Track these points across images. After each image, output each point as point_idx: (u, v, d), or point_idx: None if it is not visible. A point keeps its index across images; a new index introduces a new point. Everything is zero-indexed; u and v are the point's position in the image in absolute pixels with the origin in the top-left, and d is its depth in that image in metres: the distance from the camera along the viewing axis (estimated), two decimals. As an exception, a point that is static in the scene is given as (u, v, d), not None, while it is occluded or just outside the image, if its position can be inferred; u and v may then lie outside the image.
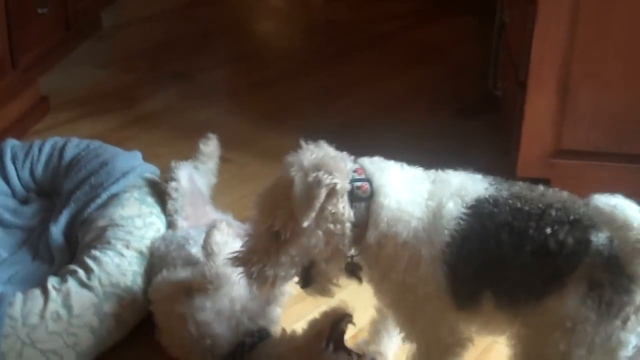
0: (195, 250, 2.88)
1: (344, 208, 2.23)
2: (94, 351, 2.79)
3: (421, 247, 2.22)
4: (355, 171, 2.27)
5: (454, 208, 2.21)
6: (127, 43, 5.93)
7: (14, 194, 3.54)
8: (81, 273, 2.84)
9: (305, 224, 2.19)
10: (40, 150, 3.58)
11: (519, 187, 2.28)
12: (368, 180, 2.27)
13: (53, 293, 2.75)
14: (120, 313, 2.85)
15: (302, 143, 2.32)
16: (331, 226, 2.24)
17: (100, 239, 3.00)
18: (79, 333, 2.74)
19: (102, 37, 5.91)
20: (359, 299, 2.60)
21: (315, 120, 4.62)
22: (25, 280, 3.05)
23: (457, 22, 6.15)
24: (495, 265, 2.18)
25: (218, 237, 2.71)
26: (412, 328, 2.36)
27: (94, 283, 2.81)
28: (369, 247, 2.28)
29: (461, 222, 2.19)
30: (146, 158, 3.50)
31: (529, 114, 3.52)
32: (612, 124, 3.47)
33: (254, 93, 5.12)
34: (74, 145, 3.56)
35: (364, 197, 2.25)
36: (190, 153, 3.43)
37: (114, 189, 3.26)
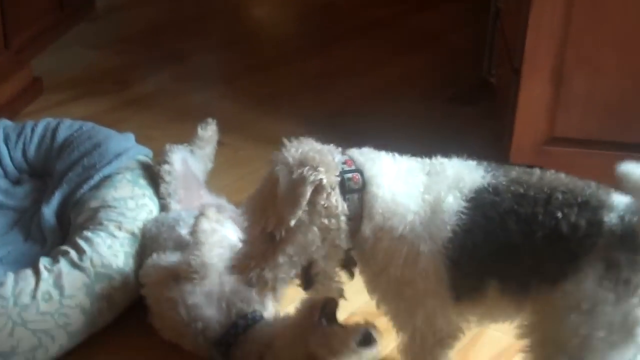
0: (186, 232, 2.88)
1: (336, 201, 2.21)
2: (85, 332, 2.79)
3: (420, 242, 2.19)
4: (344, 163, 2.25)
5: (453, 202, 2.18)
6: (121, 25, 5.92)
7: (6, 174, 3.53)
8: (73, 254, 2.83)
9: (292, 222, 2.17)
10: (32, 131, 3.57)
11: (516, 172, 2.25)
12: (359, 171, 2.24)
13: (45, 273, 2.75)
14: (112, 294, 2.84)
15: (286, 140, 2.28)
16: (325, 221, 2.21)
17: (93, 220, 3.00)
18: (71, 313, 2.74)
19: (96, 18, 5.89)
20: (352, 283, 2.61)
21: (309, 105, 4.61)
22: (17, 260, 3.05)
23: (452, 9, 6.14)
24: (502, 254, 2.16)
25: (205, 224, 2.70)
26: (409, 322, 2.34)
27: (86, 264, 2.80)
28: (365, 241, 2.25)
29: (463, 216, 2.16)
30: (139, 140, 3.49)
31: (522, 101, 3.53)
32: (606, 112, 3.48)
33: (249, 77, 5.11)
34: (67, 127, 3.55)
35: (356, 188, 2.22)
36: (183, 136, 3.42)
37: (106, 170, 3.25)
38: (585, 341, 2.14)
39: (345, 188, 2.22)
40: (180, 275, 2.68)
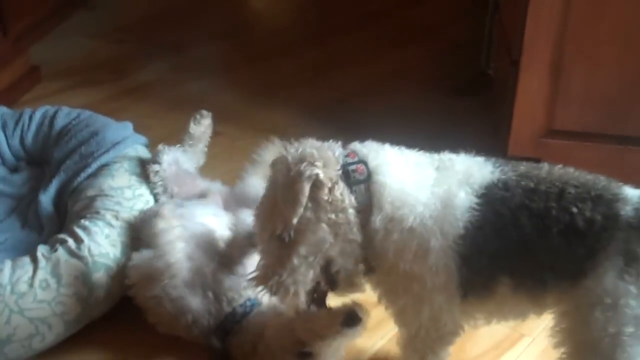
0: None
1: (342, 195, 2.20)
2: (82, 320, 2.79)
3: (430, 237, 2.18)
4: (347, 155, 2.24)
5: (465, 198, 2.16)
6: (119, 14, 5.89)
7: (3, 162, 3.52)
8: (71, 242, 2.83)
9: (295, 220, 2.17)
10: (30, 118, 3.56)
11: (525, 167, 2.24)
12: (362, 162, 2.23)
13: (42, 261, 2.75)
14: (109, 283, 2.84)
15: (287, 143, 2.29)
16: (333, 216, 2.20)
17: (89, 209, 3.00)
18: (68, 302, 2.74)
19: (94, 7, 5.87)
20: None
21: (306, 96, 4.60)
22: (14, 248, 3.05)
23: (450, 1, 6.12)
24: (514, 250, 2.15)
25: (161, 224, 2.71)
26: (415, 318, 2.33)
27: (84, 253, 2.80)
28: (376, 233, 2.23)
29: (474, 212, 2.16)
30: (137, 129, 3.48)
31: (521, 93, 3.52)
32: (604, 105, 3.47)
33: (246, 67, 5.10)
34: (65, 115, 3.54)
35: (361, 179, 2.21)
36: (180, 125, 3.41)
37: (104, 159, 3.24)
38: (615, 339, 2.13)
39: (350, 180, 2.21)
40: (153, 277, 2.71)
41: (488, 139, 3.63)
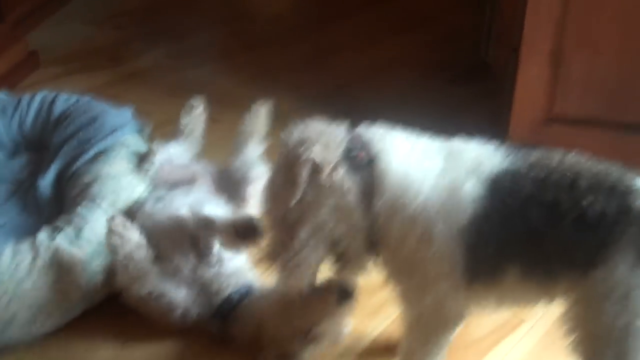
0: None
1: (342, 178, 2.19)
2: (80, 308, 2.80)
3: (433, 226, 2.16)
4: (351, 139, 2.23)
5: (472, 189, 2.14)
6: (117, 0, 5.88)
7: (2, 147, 3.51)
8: (69, 230, 2.83)
9: (292, 202, 2.18)
10: (29, 104, 3.55)
11: (536, 156, 2.20)
12: (365, 147, 2.22)
13: (42, 248, 2.75)
14: (107, 271, 2.83)
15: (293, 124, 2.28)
16: (333, 199, 2.21)
17: (86, 195, 2.99)
18: (67, 289, 2.74)
19: (92, -7, 5.86)
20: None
21: (305, 82, 4.59)
22: (13, 231, 3.05)
23: (450, -12, 6.11)
24: (521, 240, 2.13)
25: (113, 239, 2.70)
26: (418, 302, 2.33)
27: (82, 240, 2.80)
28: (379, 217, 2.22)
29: (481, 202, 2.13)
30: (136, 115, 3.48)
31: (521, 81, 3.51)
32: (605, 92, 3.46)
33: (245, 53, 5.08)
34: (64, 100, 3.54)
35: (363, 164, 2.20)
36: (179, 111, 3.41)
37: (102, 145, 3.23)
38: (627, 331, 2.12)
39: (351, 165, 2.20)
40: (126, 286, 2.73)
41: (488, 126, 3.60)
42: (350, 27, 5.48)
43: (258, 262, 2.32)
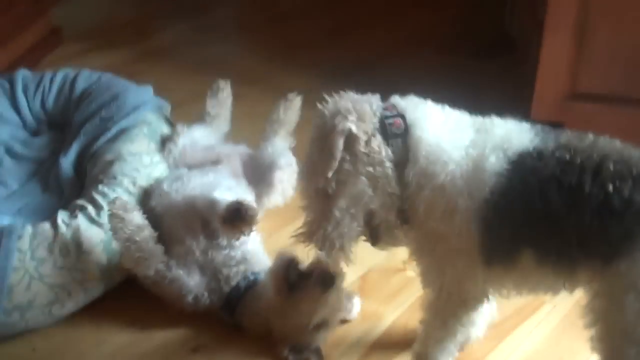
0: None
1: (379, 147, 2.19)
2: (101, 288, 2.81)
3: (458, 196, 2.14)
4: (386, 109, 2.23)
5: (495, 162, 2.11)
6: (140, -25, 5.88)
7: (24, 125, 3.53)
8: (90, 209, 2.83)
9: (330, 173, 2.18)
10: (51, 81, 3.55)
11: (567, 136, 2.13)
12: (401, 115, 2.22)
13: (62, 228, 2.75)
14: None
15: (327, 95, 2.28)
16: (370, 169, 2.21)
17: (107, 173, 2.99)
18: (87, 269, 2.75)
19: (116, -32, 5.86)
20: (365, 243, 2.60)
21: (327, 57, 4.58)
22: (35, 212, 3.06)
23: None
24: (539, 222, 2.08)
25: (114, 223, 2.69)
26: (438, 278, 2.31)
27: (103, 220, 2.80)
28: (409, 187, 2.21)
29: (502, 178, 2.10)
30: (157, 92, 3.48)
31: (545, 55, 3.47)
32: (630, 67, 3.42)
33: (267, 29, 5.07)
34: (86, 78, 3.54)
35: (398, 132, 2.20)
36: (201, 88, 3.41)
37: (123, 123, 3.23)
38: None
39: (387, 133, 2.20)
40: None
41: (511, 101, 3.58)
42: (372, 1, 5.45)
43: (297, 238, 2.31)
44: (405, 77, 4.24)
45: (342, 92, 2.27)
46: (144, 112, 3.29)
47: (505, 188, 2.10)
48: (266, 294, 2.61)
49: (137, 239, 2.66)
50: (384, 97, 2.32)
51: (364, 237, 2.35)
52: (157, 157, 3.11)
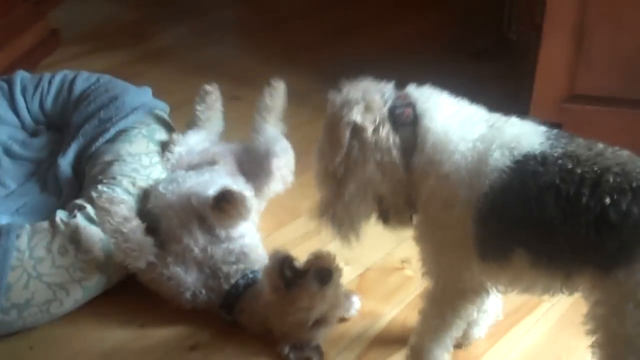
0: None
1: (387, 135, 2.24)
2: (99, 287, 2.81)
3: (460, 187, 2.17)
4: (398, 98, 2.28)
5: (499, 159, 2.13)
6: (139, -23, 5.88)
7: (23, 126, 3.53)
8: (89, 209, 2.83)
9: (338, 160, 2.25)
10: (50, 83, 3.56)
11: (577, 144, 2.13)
12: (411, 105, 2.26)
13: (61, 227, 2.75)
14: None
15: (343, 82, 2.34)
16: (378, 156, 2.25)
17: (106, 174, 3.00)
18: (86, 268, 2.75)
19: (114, -29, 5.86)
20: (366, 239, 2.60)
21: (325, 59, 4.58)
22: (33, 211, 3.06)
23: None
24: (533, 226, 2.09)
25: (102, 217, 2.70)
26: (435, 267, 2.34)
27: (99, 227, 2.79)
28: (415, 174, 2.26)
29: (502, 175, 2.11)
30: (156, 94, 3.48)
31: (543, 57, 3.48)
32: (627, 69, 3.43)
33: (266, 31, 5.08)
34: (84, 79, 3.54)
35: (407, 122, 2.24)
36: (200, 89, 3.41)
37: (122, 124, 3.24)
38: None
39: (396, 122, 2.24)
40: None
41: (509, 103, 3.59)
42: (371, 3, 5.46)
43: (310, 217, 2.38)
44: (404, 79, 4.22)
45: (356, 80, 2.34)
46: (143, 113, 3.29)
47: (504, 185, 2.12)
48: (264, 292, 2.61)
49: (124, 230, 2.67)
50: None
51: (374, 218, 2.42)
52: (156, 158, 3.12)
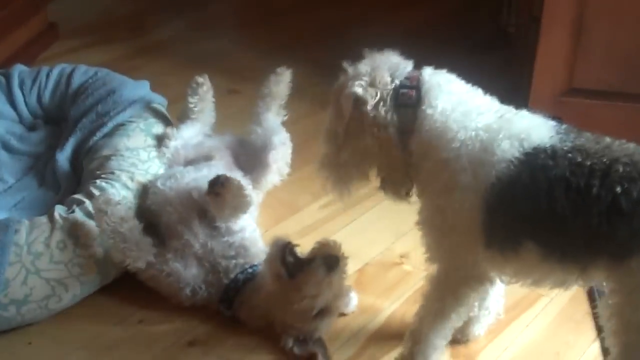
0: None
1: (385, 112, 2.28)
2: (97, 282, 2.80)
3: (460, 173, 2.18)
4: (408, 78, 2.31)
5: (507, 150, 2.14)
6: (136, -29, 5.87)
7: (21, 120, 3.52)
8: (88, 203, 2.82)
9: (340, 128, 2.34)
10: (47, 76, 3.55)
11: (585, 138, 2.14)
12: (417, 87, 2.28)
13: (59, 222, 2.75)
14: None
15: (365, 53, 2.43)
16: (375, 130, 2.31)
17: (104, 168, 3.00)
18: (84, 263, 2.74)
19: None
20: (365, 234, 2.61)
21: (324, 52, 4.57)
22: (31, 206, 3.06)
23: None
24: (543, 219, 2.10)
25: (100, 219, 2.70)
26: (436, 250, 2.35)
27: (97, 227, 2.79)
28: (413, 156, 2.30)
29: (511, 167, 2.12)
30: (154, 87, 3.48)
31: (541, 51, 3.48)
32: (626, 63, 3.43)
33: (264, 25, 5.07)
34: (82, 73, 3.53)
35: (409, 103, 2.28)
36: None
37: (120, 118, 3.23)
38: None
39: (398, 102, 2.29)
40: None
41: (508, 97, 3.59)
42: (372, -4, 5.45)
43: (317, 168, 2.46)
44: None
45: (376, 53, 2.43)
46: (141, 106, 3.28)
47: (512, 177, 2.13)
48: (265, 283, 2.61)
49: (121, 230, 2.67)
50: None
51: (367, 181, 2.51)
52: (154, 153, 3.12)
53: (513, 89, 3.77)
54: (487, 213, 2.17)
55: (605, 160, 2.06)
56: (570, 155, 2.09)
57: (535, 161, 2.11)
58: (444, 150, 2.21)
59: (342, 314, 2.74)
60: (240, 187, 2.68)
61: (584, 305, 2.81)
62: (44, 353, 2.64)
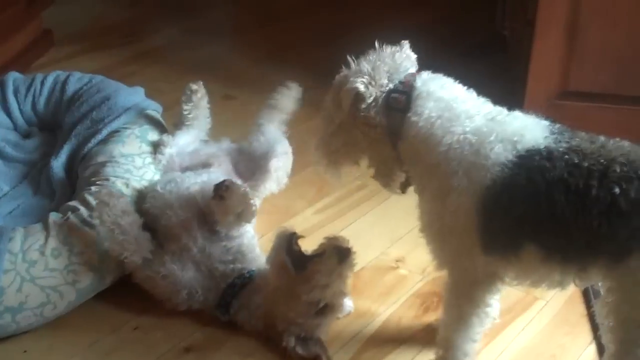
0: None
1: (375, 114, 2.33)
2: (93, 289, 2.80)
3: (453, 178, 2.19)
4: (402, 82, 2.34)
5: (501, 153, 2.13)
6: (131, -23, 5.87)
7: (15, 127, 3.52)
8: (82, 210, 2.82)
9: (338, 120, 2.40)
10: (42, 83, 3.55)
11: (580, 138, 2.15)
12: (407, 93, 2.30)
13: (54, 230, 2.74)
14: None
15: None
16: (365, 128, 2.37)
17: (99, 175, 2.99)
18: (79, 270, 2.74)
19: (106, -30, 5.85)
20: (361, 238, 2.60)
21: (318, 58, 4.57)
22: (26, 214, 3.05)
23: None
24: (543, 221, 2.10)
25: (102, 215, 2.70)
26: (441, 255, 2.36)
27: (95, 221, 2.79)
28: (402, 157, 2.36)
29: (506, 169, 2.12)
30: (149, 94, 3.48)
31: (536, 54, 3.48)
32: (620, 65, 3.43)
33: (258, 31, 5.07)
34: (76, 80, 3.53)
35: (398, 107, 2.31)
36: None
37: (114, 124, 3.23)
38: None
39: (389, 105, 2.32)
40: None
41: (502, 99, 3.60)
42: (363, 1, 5.45)
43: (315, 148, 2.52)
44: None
45: (378, 51, 2.46)
46: (135, 113, 3.28)
47: (508, 180, 2.12)
48: (269, 279, 2.61)
49: (122, 222, 2.67)
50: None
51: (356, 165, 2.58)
52: (149, 159, 3.11)
53: (508, 92, 3.77)
54: (484, 216, 2.16)
55: (602, 160, 2.06)
56: (566, 156, 2.09)
57: (531, 163, 2.11)
58: (431, 155, 2.24)
59: (337, 318, 2.73)
60: (245, 194, 2.68)
61: (580, 308, 2.81)
62: (39, 361, 2.64)
